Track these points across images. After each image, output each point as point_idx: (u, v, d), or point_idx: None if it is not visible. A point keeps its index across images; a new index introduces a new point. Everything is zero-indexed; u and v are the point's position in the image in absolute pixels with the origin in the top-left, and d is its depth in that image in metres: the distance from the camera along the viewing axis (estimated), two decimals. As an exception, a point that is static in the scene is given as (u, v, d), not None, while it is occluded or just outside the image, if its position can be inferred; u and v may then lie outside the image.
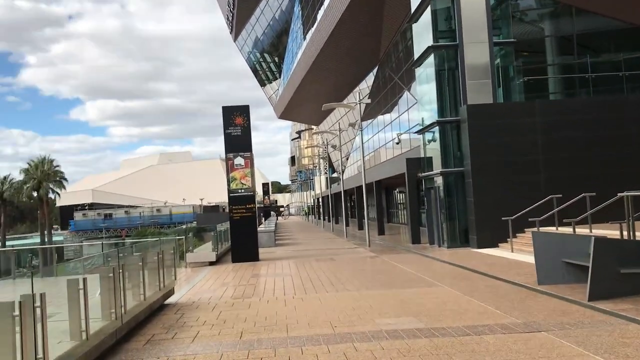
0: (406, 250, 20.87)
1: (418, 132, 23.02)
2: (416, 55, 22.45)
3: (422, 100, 23.71)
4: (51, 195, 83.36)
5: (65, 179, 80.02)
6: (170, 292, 11.04)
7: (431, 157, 22.24)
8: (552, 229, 16.78)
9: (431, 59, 21.07)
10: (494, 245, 18.92)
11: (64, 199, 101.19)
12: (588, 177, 18.87)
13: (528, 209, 17.82)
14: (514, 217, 17.74)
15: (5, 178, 76.05)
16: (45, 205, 76.60)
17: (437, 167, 20.95)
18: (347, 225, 33.20)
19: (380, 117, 38.49)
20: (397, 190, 40.12)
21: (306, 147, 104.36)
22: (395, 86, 33.63)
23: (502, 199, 19.02)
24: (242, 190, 19.26)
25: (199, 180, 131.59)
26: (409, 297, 10.34)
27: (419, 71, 23.35)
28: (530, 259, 14.30)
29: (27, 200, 79.76)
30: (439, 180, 20.88)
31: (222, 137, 19.47)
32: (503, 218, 17.78)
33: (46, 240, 74.59)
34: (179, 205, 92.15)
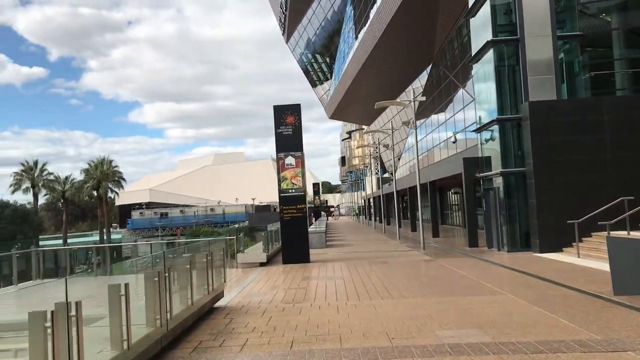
0: (463, 254, 20.00)
1: (475, 130, 22.09)
2: (474, 51, 21.52)
3: (479, 97, 22.75)
4: (110, 195, 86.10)
5: (124, 179, 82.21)
6: (220, 295, 10.72)
7: (489, 157, 21.28)
8: (622, 233, 15.62)
9: (490, 54, 20.13)
10: (557, 249, 17.86)
11: (122, 198, 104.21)
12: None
13: (596, 211, 16.71)
14: (580, 220, 16.65)
15: (67, 178, 78.70)
16: (105, 204, 78.89)
17: (497, 167, 19.99)
18: (399, 226, 32.42)
19: (433, 117, 37.50)
20: (452, 191, 39.00)
21: (357, 147, 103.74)
22: (450, 84, 32.62)
23: (567, 201, 17.94)
24: (293, 190, 18.88)
25: (251, 180, 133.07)
26: (470, 306, 9.64)
27: (476, 67, 22.39)
28: (600, 265, 13.31)
29: (87, 199, 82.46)
30: (499, 181, 19.91)
31: (274, 138, 19.15)
32: (569, 221, 16.72)
33: (104, 238, 76.83)
34: (231, 204, 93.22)
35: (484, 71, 21.27)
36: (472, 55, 21.69)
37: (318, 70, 66.38)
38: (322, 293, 12.01)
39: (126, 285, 5.55)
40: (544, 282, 12.13)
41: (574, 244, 17.68)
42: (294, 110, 19.03)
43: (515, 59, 19.59)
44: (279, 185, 18.95)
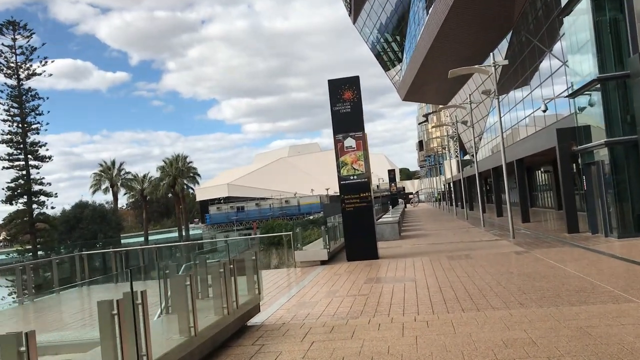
0: (562, 242, 16.79)
1: (570, 95, 18.68)
2: (564, 1, 18.12)
3: (573, 58, 19.23)
4: (191, 190, 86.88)
5: (199, 175, 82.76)
6: (253, 312, 8.48)
7: (589, 127, 17.86)
8: None
9: (585, 2, 16.71)
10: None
11: (203, 194, 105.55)
12: None
13: None
14: None
15: (144, 176, 79.94)
16: (182, 200, 79.64)
17: (599, 137, 16.60)
18: (483, 212, 29.14)
19: (517, 93, 33.66)
20: (542, 169, 35.08)
21: (433, 127, 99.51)
22: (535, 50, 28.83)
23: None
24: (355, 177, 16.38)
25: (326, 170, 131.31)
26: (590, 323, 6.87)
27: (567, 22, 18.94)
28: None
29: (164, 196, 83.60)
30: (603, 153, 16.51)
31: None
32: (703, 198, 13.25)
33: (183, 234, 77.56)
34: (306, 195, 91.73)
35: (577, 25, 17.84)
36: (563, 6, 18.29)
37: (389, 51, 63.23)
38: (387, 302, 9.51)
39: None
40: (685, 281, 9.05)
41: None
42: (352, 83, 16.50)
43: (618, 5, 16.10)
44: (339, 171, 16.52)
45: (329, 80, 16.61)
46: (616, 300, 8.08)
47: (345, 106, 16.47)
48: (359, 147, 16.41)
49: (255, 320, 8.71)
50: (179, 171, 77.22)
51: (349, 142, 16.41)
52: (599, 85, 16.24)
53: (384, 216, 31.03)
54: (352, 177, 16.41)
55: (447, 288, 10.38)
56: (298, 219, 70.55)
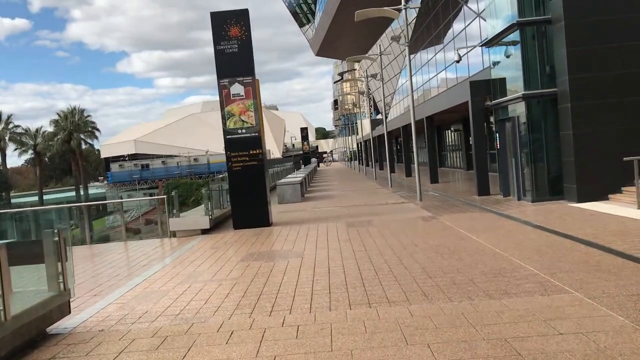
0: (472, 205, 15.28)
1: (486, 44, 16.95)
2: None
3: (490, 5, 17.45)
4: (94, 147, 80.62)
5: (98, 129, 76.90)
6: (56, 315, 5.94)
7: (504, 79, 16.27)
8: None
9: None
10: (601, 197, 13.16)
11: (109, 150, 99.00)
12: None
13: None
14: (644, 156, 11.83)
15: (37, 131, 73.10)
16: (79, 157, 73.77)
17: (516, 90, 15.01)
18: (392, 172, 27.66)
19: (430, 54, 32.03)
20: (452, 129, 34.06)
21: (345, 81, 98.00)
22: (449, 3, 27.06)
23: (615, 132, 13.11)
24: (243, 130, 13.91)
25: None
26: (516, 331, 4.94)
27: (485, -38, 17.08)
28: None
29: (66, 152, 76.99)
30: (520, 109, 14.96)
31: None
32: (626, 158, 11.91)
33: (82, 194, 72.12)
34: (218, 153, 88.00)
35: (496, -36, 15.99)
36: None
37: (304, 4, 60.20)
38: (256, 292, 7.28)
39: None
40: (622, 258, 7.41)
41: (624, 189, 13.00)
42: (240, 18, 13.83)
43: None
44: (224, 124, 13.96)
45: (211, 13, 13.83)
46: (544, 289, 6.24)
47: (232, 45, 13.82)
48: (248, 95, 13.89)
49: (64, 325, 6.20)
50: (75, 125, 71.12)
51: (237, 88, 13.85)
52: (517, 32, 14.52)
53: (288, 176, 28.84)
54: (240, 131, 13.92)
55: (337, 268, 8.29)
56: (208, 178, 67.22)
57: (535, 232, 10.07)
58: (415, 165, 17.60)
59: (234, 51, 13.80)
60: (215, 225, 14.52)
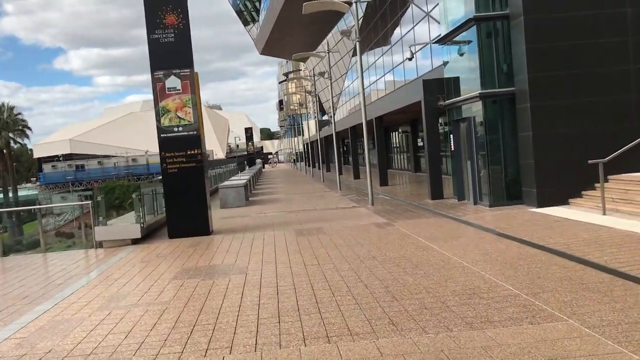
0: (427, 210, 14.47)
1: (440, 40, 16.21)
2: None
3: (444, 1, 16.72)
4: (25, 146, 75.91)
5: (29, 128, 72.66)
6: None
7: (459, 78, 15.58)
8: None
9: None
10: (561, 202, 12.58)
11: (42, 150, 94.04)
12: None
13: (633, 143, 11.42)
14: (607, 159, 11.28)
15: (-39, 129, 68.25)
16: (8, 158, 69.50)
17: (472, 89, 14.31)
18: (340, 173, 26.77)
19: (377, 53, 31.32)
20: (400, 130, 33.52)
21: (292, 80, 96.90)
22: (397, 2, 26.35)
23: (576, 133, 12.56)
24: (180, 128, 12.57)
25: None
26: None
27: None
28: None
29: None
30: (476, 109, 14.26)
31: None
32: (591, 161, 11.31)
33: (10, 196, 67.90)
34: (157, 154, 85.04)
35: (451, -43, 15.27)
36: None
37: (250, 6, 58.69)
38: (189, 321, 6.05)
39: None
40: (601, 272, 6.62)
41: (584, 193, 12.48)
42: (177, 4, 12.48)
43: None
44: (158, 120, 12.58)
45: (144, -1, 12.43)
46: (532, 314, 5.32)
47: (168, 34, 12.45)
48: (185, 90, 12.56)
49: None
50: (4, 123, 66.92)
51: (173, 82, 12.49)
52: (474, 28, 13.81)
53: (231, 178, 27.48)
54: (176, 129, 12.57)
55: (287, 288, 7.16)
56: (147, 179, 64.53)
57: (502, 242, 9.24)
58: (367, 167, 16.68)
59: (169, 41, 12.44)
60: (149, 234, 13.10)
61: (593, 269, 6.85)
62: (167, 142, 12.50)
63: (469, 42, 14.43)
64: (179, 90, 12.46)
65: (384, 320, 5.50)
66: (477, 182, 14.49)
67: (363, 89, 17.48)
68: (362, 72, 17.20)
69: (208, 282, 7.90)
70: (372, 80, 32.55)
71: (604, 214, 10.77)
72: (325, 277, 7.61)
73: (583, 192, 12.54)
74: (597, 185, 12.24)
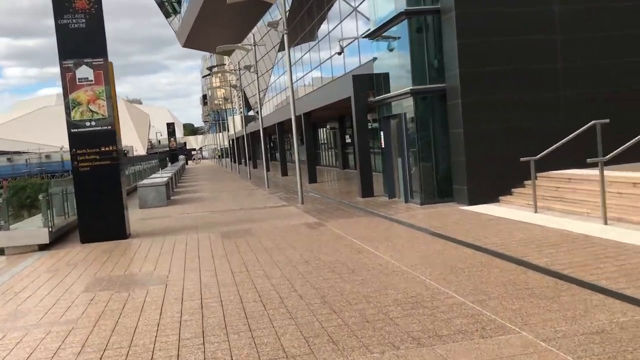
0: (358, 208, 14.10)
1: (370, 35, 15.86)
2: None
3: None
4: None
5: None
6: None
7: (389, 74, 15.31)
8: (581, 172, 10.47)
9: None
10: (492, 199, 12.54)
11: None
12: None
13: (563, 141, 11.43)
14: (538, 156, 11.25)
15: None
16: None
17: (403, 85, 14.04)
18: (267, 170, 26.07)
19: (303, 49, 30.79)
20: (328, 126, 33.20)
21: (216, 75, 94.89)
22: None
23: (506, 130, 12.53)
24: (93, 123, 11.48)
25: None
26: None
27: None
28: (588, 227, 7.67)
29: None
30: (407, 105, 14.01)
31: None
32: (522, 159, 11.25)
33: None
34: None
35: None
36: None
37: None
38: (98, 345, 5.25)
39: None
40: (544, 275, 6.37)
41: (514, 190, 12.49)
42: (88, -13, 11.39)
43: None
44: (68, 114, 11.43)
45: (50, -21, 11.25)
46: (482, 326, 4.92)
47: (78, 19, 11.33)
48: (99, 81, 11.48)
49: None
50: None
51: (84, 72, 11.38)
52: (405, 22, 13.52)
53: (152, 176, 26.14)
54: (88, 123, 11.47)
55: (213, 300, 6.46)
56: (62, 177, 61.04)
57: (438, 242, 8.93)
58: (297, 164, 16.13)
59: (80, 27, 11.32)
60: (59, 239, 11.93)
61: (535, 272, 6.59)
62: (79, 138, 11.39)
63: (400, 37, 14.16)
64: (91, 81, 11.37)
65: (322, 337, 4.94)
66: (408, 180, 14.25)
67: (292, 83, 16.88)
68: (290, 65, 16.58)
69: (123, 294, 7.06)
70: (299, 76, 32.03)
71: (536, 211, 10.73)
72: (255, 286, 6.96)
73: (513, 190, 12.54)
74: (526, 182, 12.28)
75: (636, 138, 9.37)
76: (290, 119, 17.03)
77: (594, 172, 10.87)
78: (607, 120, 11.13)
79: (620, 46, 12.78)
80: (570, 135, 11.38)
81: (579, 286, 5.87)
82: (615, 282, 5.77)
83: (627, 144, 9.37)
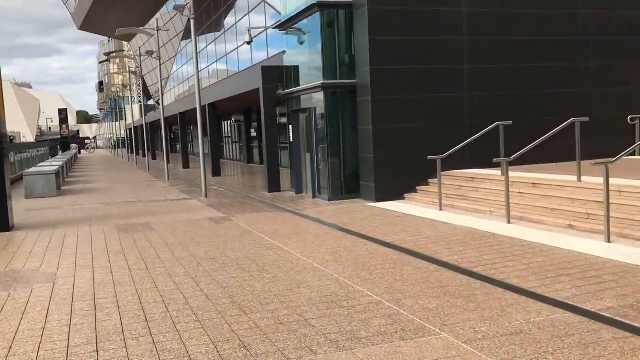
0: (265, 203, 13.73)
1: (280, 26, 15.50)
2: None
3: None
4: None
5: None
6: None
7: (299, 67, 15.07)
8: (483, 172, 10.81)
9: None
10: (398, 196, 12.65)
11: None
12: (541, 98, 13.36)
13: (468, 141, 11.70)
14: (445, 155, 11.43)
15: None
16: None
17: (313, 79, 13.83)
18: (168, 162, 24.97)
19: (209, 39, 29.84)
20: (233, 119, 32.46)
21: (114, 60, 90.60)
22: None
23: (413, 128, 12.65)
24: (-29, 102, 10.25)
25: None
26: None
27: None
28: (497, 227, 7.81)
29: None
30: (317, 99, 13.81)
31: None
32: (430, 157, 11.37)
33: None
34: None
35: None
36: None
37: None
38: (-30, 354, 4.52)
39: None
40: (456, 273, 6.35)
41: (419, 188, 12.68)
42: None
43: None
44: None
45: None
46: (401, 327, 4.74)
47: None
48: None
49: None
50: None
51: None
52: (317, 15, 13.30)
53: (41, 164, 24.22)
54: (-35, 103, 10.22)
55: (108, 301, 5.84)
56: None
57: (348, 239, 8.75)
58: (201, 155, 15.45)
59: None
60: None
61: (448, 270, 6.55)
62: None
63: (311, 31, 13.92)
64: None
65: (233, 342, 4.53)
66: (316, 176, 14.07)
67: (198, 70, 16.15)
68: (196, 52, 15.85)
69: (2, 294, 6.24)
70: (203, 67, 31.02)
71: (441, 209, 10.89)
72: (157, 285, 6.40)
73: (418, 188, 12.71)
74: (430, 180, 12.49)
75: (539, 140, 9.72)
76: (193, 110, 16.33)
77: (496, 172, 11.24)
78: (510, 122, 11.56)
79: (523, 51, 13.30)
80: (475, 136, 11.68)
81: (491, 284, 5.87)
82: (526, 281, 5.82)
83: (531, 145, 9.70)
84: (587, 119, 9.85)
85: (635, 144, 13.36)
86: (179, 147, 36.63)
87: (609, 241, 7.36)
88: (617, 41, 14.01)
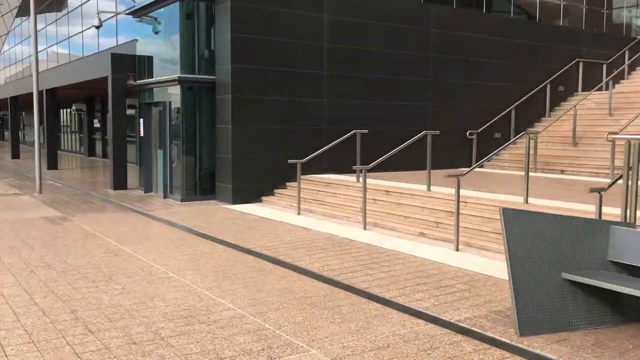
0: (109, 201, 12.69)
1: (135, 12, 14.46)
2: None
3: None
4: None
5: None
6: None
7: (152, 57, 14.22)
8: (340, 177, 11.04)
9: None
10: (255, 199, 12.43)
11: None
12: (396, 109, 13.86)
13: (327, 147, 11.76)
14: (305, 159, 11.39)
15: None
16: None
17: (169, 71, 13.10)
18: (-5, 151, 22.26)
19: (49, 19, 27.21)
20: (75, 107, 29.92)
21: None
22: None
23: (272, 130, 12.49)
24: None
25: None
26: None
27: None
28: (350, 231, 7.94)
29: None
30: (172, 92, 13.09)
31: None
32: (290, 161, 11.25)
33: None
34: None
35: None
36: None
37: None
38: None
39: None
40: (319, 282, 6.25)
41: (277, 192, 12.57)
42: None
43: None
44: None
45: None
46: (267, 345, 4.47)
47: None
48: None
49: None
50: None
51: None
52: (177, 5, 12.59)
53: None
54: None
55: None
56: None
57: (205, 244, 8.30)
58: (36, 146, 13.89)
59: None
60: None
61: (310, 278, 6.43)
62: None
63: (168, 21, 13.17)
64: None
65: (77, 368, 3.95)
66: (168, 174, 13.32)
67: (36, 51, 14.51)
68: (36, 30, 14.25)
69: None
70: (42, 48, 28.20)
71: (299, 213, 10.83)
72: (-20, 299, 5.48)
73: (276, 191, 12.56)
74: (288, 184, 12.42)
75: (396, 149, 10.05)
76: (28, 95, 14.67)
77: (352, 178, 11.46)
78: (366, 130, 11.86)
79: (378, 61, 13.72)
80: (335, 142, 11.82)
81: (355, 294, 5.84)
82: (387, 290, 5.87)
83: (388, 154, 9.99)
84: (438, 132, 10.36)
85: (472, 157, 14.55)
86: (8, 134, 32.98)
87: (457, 249, 7.75)
88: (456, 59, 14.95)
